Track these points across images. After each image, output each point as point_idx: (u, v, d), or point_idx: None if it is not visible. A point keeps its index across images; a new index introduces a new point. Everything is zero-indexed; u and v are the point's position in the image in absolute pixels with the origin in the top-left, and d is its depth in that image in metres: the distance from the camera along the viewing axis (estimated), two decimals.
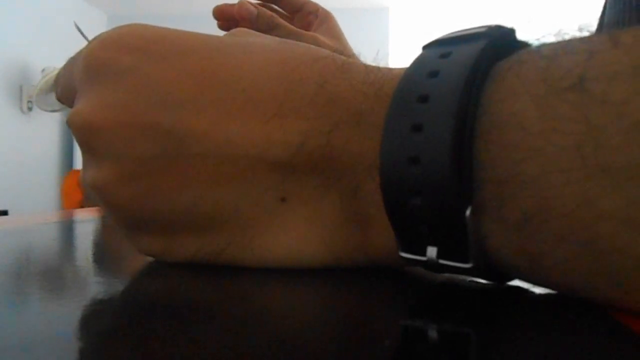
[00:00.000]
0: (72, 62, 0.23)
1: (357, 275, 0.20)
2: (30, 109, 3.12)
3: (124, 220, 0.21)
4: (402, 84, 0.18)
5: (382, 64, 0.21)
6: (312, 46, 0.21)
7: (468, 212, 0.16)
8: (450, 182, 0.16)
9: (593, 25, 0.16)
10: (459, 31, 0.18)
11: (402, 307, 0.17)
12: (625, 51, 0.14)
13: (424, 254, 0.17)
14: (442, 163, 0.16)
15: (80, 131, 0.20)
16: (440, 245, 0.17)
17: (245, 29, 0.23)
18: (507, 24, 0.18)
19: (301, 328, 0.14)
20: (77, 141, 0.21)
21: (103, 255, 0.28)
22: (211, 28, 0.45)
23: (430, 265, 0.17)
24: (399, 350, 0.12)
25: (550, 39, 0.16)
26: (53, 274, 0.21)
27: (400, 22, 3.85)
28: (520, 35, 0.18)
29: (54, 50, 3.27)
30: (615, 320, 0.14)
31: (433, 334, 0.13)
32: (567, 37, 0.16)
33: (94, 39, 0.22)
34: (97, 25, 3.71)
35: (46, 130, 3.37)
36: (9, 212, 2.59)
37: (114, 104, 0.20)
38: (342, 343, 0.12)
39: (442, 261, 0.17)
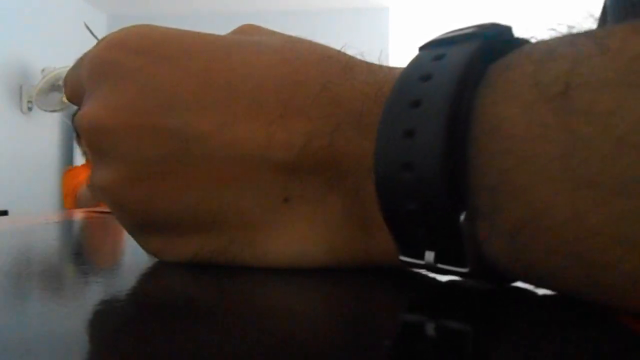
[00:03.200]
0: (80, 62, 0.23)
1: (357, 275, 0.20)
2: (30, 109, 3.12)
3: (131, 220, 0.22)
4: (395, 88, 0.17)
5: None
6: (317, 44, 0.21)
7: (462, 218, 0.15)
8: (442, 188, 0.15)
9: (583, 24, 0.16)
10: (454, 31, 0.18)
11: (402, 307, 0.17)
12: (611, 58, 0.13)
13: (422, 257, 0.17)
14: (434, 169, 0.15)
15: (88, 132, 0.21)
16: (437, 249, 0.17)
17: (254, 25, 0.23)
18: (506, 21, 0.17)
19: (301, 328, 0.14)
20: (85, 142, 0.21)
21: (103, 255, 0.27)
22: (211, 27, 0.45)
23: (429, 269, 0.17)
24: (398, 350, 0.12)
25: (545, 35, 0.16)
26: (53, 274, 0.21)
27: (400, 22, 3.85)
28: (517, 33, 0.17)
29: (54, 50, 3.27)
30: (615, 320, 0.14)
31: (433, 333, 0.13)
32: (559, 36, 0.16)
33: (101, 40, 0.22)
34: (97, 26, 3.71)
35: (46, 130, 3.37)
36: (9, 212, 2.59)
37: (120, 106, 0.20)
38: (341, 343, 0.12)
39: (440, 265, 0.17)
